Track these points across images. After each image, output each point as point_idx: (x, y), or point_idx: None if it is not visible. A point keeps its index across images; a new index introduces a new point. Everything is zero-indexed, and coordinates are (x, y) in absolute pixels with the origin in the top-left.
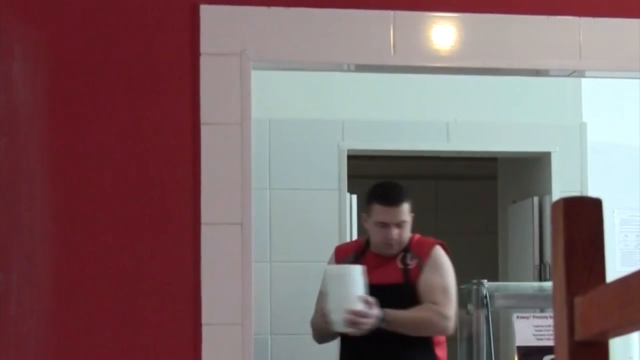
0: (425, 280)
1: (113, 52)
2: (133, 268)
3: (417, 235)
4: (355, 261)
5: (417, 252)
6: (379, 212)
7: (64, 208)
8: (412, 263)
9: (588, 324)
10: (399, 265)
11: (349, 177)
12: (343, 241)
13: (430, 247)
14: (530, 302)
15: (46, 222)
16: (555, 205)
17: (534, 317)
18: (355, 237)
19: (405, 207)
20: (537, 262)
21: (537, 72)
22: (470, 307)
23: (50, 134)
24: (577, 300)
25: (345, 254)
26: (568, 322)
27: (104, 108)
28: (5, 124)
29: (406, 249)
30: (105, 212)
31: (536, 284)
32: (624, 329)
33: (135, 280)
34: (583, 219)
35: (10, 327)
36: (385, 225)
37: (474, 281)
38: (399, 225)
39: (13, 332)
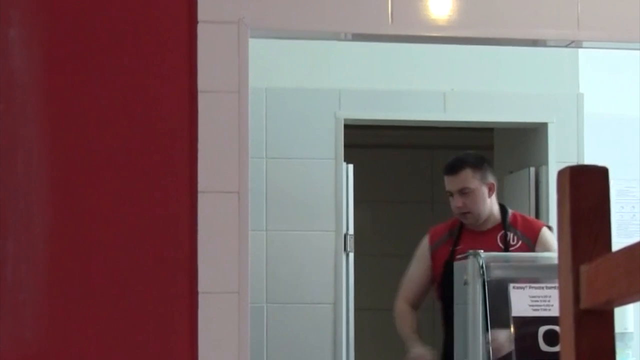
0: None
1: (110, 19)
2: (130, 236)
3: (519, 214)
4: (450, 239)
5: (525, 232)
6: (445, 182)
7: (60, 175)
8: (516, 243)
9: (594, 292)
10: (499, 244)
11: (346, 146)
12: (339, 211)
13: (539, 229)
14: (527, 273)
15: (43, 189)
16: (561, 173)
17: (530, 287)
18: (352, 207)
19: (466, 174)
20: None
21: (535, 43)
22: (466, 277)
23: (46, 101)
24: (583, 268)
25: (438, 235)
26: (574, 290)
27: (100, 75)
28: (1, 91)
29: (509, 227)
30: (102, 180)
31: (532, 254)
32: (630, 298)
33: (132, 248)
34: (589, 187)
35: (7, 295)
36: (450, 195)
37: (471, 251)
38: (462, 192)
39: (9, 300)
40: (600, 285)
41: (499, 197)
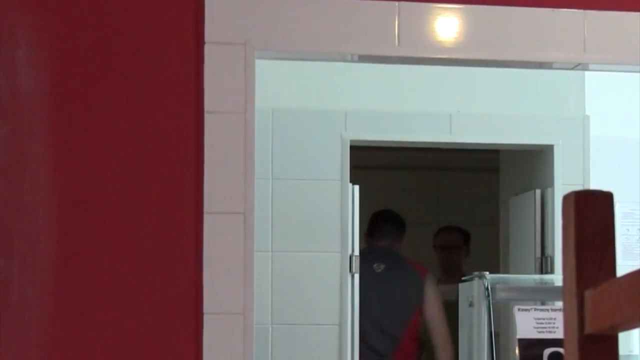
0: None
1: (117, 40)
2: (135, 256)
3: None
4: None
5: None
6: None
7: (66, 195)
8: None
9: (598, 318)
10: None
11: (352, 167)
12: (344, 232)
13: None
14: (532, 295)
15: (49, 209)
16: (566, 198)
17: (535, 309)
18: (357, 228)
19: None
20: (538, 254)
21: (541, 65)
22: (471, 299)
23: (53, 121)
24: (588, 293)
25: None
26: (578, 315)
27: (107, 96)
28: (8, 111)
29: None
30: (107, 200)
31: (537, 276)
32: (634, 324)
33: (138, 268)
34: (594, 212)
35: (12, 314)
36: None
37: (476, 273)
38: None
39: (14, 318)
40: (604, 310)
41: (505, 220)
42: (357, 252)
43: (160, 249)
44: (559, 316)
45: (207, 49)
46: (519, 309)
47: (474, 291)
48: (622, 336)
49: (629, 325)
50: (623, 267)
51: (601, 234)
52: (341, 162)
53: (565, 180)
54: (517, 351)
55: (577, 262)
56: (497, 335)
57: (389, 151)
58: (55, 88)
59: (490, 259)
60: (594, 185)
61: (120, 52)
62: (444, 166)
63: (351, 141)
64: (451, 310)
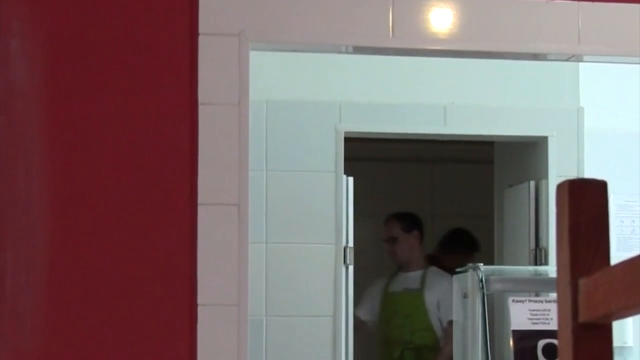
0: None
1: (111, 31)
2: (129, 248)
3: None
4: None
5: None
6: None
7: (60, 187)
8: None
9: (592, 306)
10: None
11: (346, 159)
12: (339, 224)
13: None
14: (526, 286)
15: (43, 200)
16: (560, 187)
17: (529, 301)
18: (351, 220)
19: None
20: (532, 246)
21: (535, 56)
22: (465, 291)
23: (47, 112)
24: (582, 281)
25: None
26: (572, 304)
27: (101, 87)
28: (2, 102)
29: None
30: (102, 192)
31: (532, 268)
32: (628, 312)
33: (132, 259)
34: (588, 201)
35: (6, 306)
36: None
37: (470, 265)
38: None
39: (9, 310)
40: (598, 298)
41: (499, 211)
42: (351, 244)
43: (154, 240)
44: (553, 307)
45: (202, 41)
46: (513, 300)
47: (468, 283)
48: (617, 327)
49: (623, 313)
50: (618, 258)
51: (595, 223)
52: (335, 153)
53: (559, 172)
54: (511, 342)
55: (571, 251)
56: (491, 326)
57: (384, 143)
58: (50, 80)
59: (484, 250)
60: (588, 176)
61: (115, 44)
62: (438, 158)
63: (345, 133)
64: (389, 299)
